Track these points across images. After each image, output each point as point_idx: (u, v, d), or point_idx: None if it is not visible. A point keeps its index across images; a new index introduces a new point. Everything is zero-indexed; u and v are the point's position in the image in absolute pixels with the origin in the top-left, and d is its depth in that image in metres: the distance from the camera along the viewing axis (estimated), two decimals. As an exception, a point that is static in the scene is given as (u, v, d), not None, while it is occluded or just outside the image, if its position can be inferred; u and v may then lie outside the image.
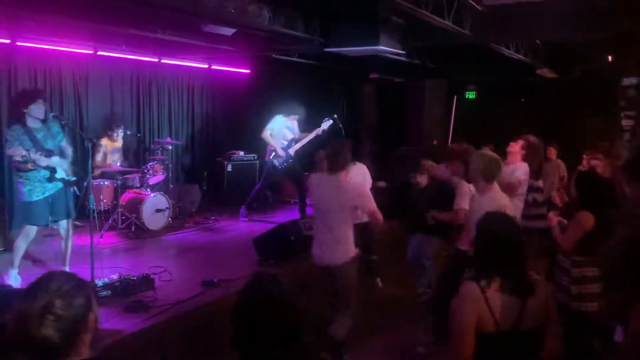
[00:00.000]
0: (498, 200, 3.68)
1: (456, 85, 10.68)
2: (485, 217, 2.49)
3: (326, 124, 7.52)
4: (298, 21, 5.84)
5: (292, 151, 7.60)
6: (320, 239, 4.15)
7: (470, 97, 11.45)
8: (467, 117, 10.24)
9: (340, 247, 4.07)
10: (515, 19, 6.24)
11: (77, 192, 5.21)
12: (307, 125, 7.81)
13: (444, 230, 4.58)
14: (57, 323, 1.47)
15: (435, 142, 9.93)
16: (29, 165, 4.64)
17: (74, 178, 5.05)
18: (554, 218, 3.91)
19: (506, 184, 4.37)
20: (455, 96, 10.03)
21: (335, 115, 7.55)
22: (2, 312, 3.41)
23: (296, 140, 7.65)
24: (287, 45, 6.98)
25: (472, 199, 4.00)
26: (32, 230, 4.83)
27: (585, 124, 9.94)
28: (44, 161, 4.68)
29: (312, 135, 7.57)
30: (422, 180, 5.10)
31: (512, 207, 3.87)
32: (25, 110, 4.67)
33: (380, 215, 4.09)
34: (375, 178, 6.19)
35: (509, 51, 7.64)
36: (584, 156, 6.15)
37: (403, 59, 7.55)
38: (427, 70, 9.55)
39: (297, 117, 7.69)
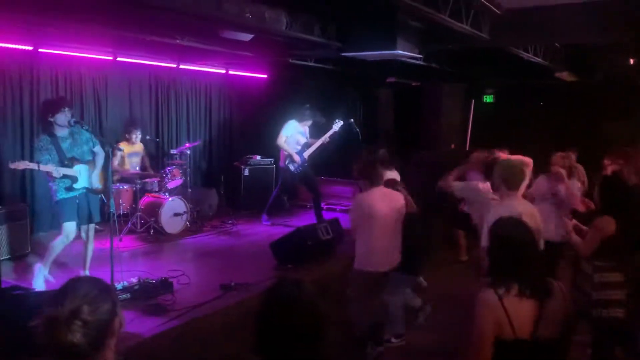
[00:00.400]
0: (515, 207, 3.56)
1: (474, 88, 10.63)
2: (497, 223, 2.48)
3: (337, 125, 7.61)
4: (315, 26, 5.86)
5: (306, 155, 7.66)
6: (378, 247, 4.33)
7: (488, 100, 11.36)
8: (485, 121, 10.19)
9: (396, 252, 4.45)
10: (534, 21, 6.19)
11: (104, 200, 5.28)
12: (323, 129, 7.85)
13: None
14: (84, 328, 1.49)
15: (453, 146, 9.88)
16: (56, 172, 4.75)
17: (99, 186, 5.12)
18: (569, 222, 3.87)
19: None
20: (473, 100, 10.00)
21: (352, 120, 7.58)
22: (29, 316, 3.49)
23: (308, 145, 7.71)
24: (304, 50, 7.02)
25: (487, 206, 3.97)
26: (69, 229, 4.88)
27: (606, 128, 9.81)
28: (57, 172, 4.75)
29: (324, 139, 7.65)
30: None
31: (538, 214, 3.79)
32: (51, 119, 4.77)
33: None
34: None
35: (527, 54, 7.57)
36: (605, 161, 6.07)
37: (420, 62, 7.53)
38: (444, 74, 9.51)
39: (309, 122, 7.75)
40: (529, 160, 4.27)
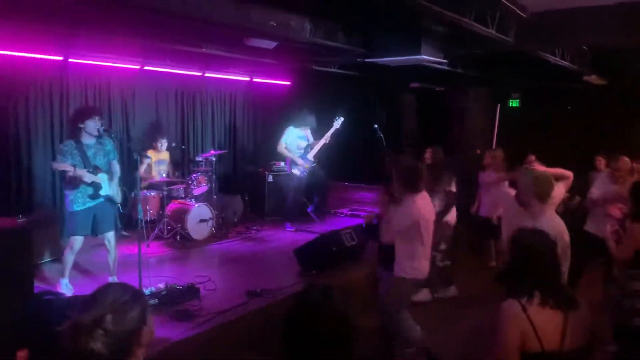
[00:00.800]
0: (559, 225, 3.40)
1: (499, 93, 10.50)
2: (519, 232, 2.50)
3: (338, 123, 7.90)
4: (339, 33, 5.88)
5: (310, 156, 7.81)
6: (423, 254, 4.22)
7: (513, 105, 11.22)
8: (511, 126, 10.05)
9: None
10: (561, 24, 6.10)
11: (121, 210, 5.37)
12: (346, 134, 7.94)
13: None
14: (106, 337, 1.48)
15: (478, 152, 9.76)
16: (76, 180, 4.82)
17: (119, 200, 5.21)
18: (610, 229, 3.77)
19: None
20: (499, 104, 9.88)
21: (376, 125, 7.58)
22: (56, 319, 3.57)
23: (311, 146, 7.95)
24: (327, 57, 7.05)
25: (516, 218, 3.84)
26: (77, 242, 4.98)
27: (635, 132, 9.58)
28: (89, 177, 4.85)
29: (325, 138, 7.89)
30: None
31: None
32: (81, 125, 4.86)
33: None
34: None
35: (554, 58, 7.46)
36: (634, 165, 5.93)
37: (445, 67, 7.49)
38: (469, 78, 9.43)
39: (308, 125, 7.93)
40: (568, 174, 4.02)
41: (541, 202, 3.50)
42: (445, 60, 6.71)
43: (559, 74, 8.77)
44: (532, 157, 6.79)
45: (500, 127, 8.73)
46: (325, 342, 1.62)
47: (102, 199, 5.00)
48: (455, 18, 4.95)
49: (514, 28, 6.12)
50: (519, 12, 5.85)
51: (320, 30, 5.56)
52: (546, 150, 6.61)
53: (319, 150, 7.99)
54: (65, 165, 4.73)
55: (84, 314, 1.49)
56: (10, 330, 3.05)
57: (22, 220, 5.42)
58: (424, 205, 4.19)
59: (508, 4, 5.61)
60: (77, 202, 4.90)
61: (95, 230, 5.08)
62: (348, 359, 1.64)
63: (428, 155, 6.42)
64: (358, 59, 6.53)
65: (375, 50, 6.10)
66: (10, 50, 6.12)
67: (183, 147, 8.40)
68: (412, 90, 10.51)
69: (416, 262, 4.17)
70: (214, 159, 8.07)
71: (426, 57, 5.90)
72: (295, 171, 7.85)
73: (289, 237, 7.61)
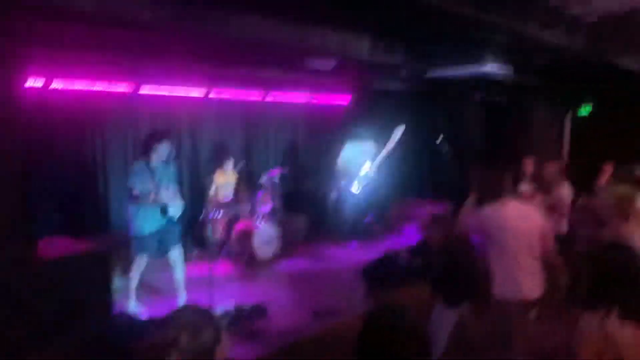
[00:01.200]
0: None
1: (569, 101, 10.05)
2: (597, 247, 2.43)
3: (398, 132, 7.60)
4: (399, 48, 5.86)
5: (370, 172, 7.69)
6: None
7: (584, 113, 10.70)
8: (583, 135, 9.59)
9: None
10: (634, 26, 5.79)
11: (180, 231, 5.49)
12: (409, 150, 7.82)
13: None
14: (181, 356, 1.53)
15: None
16: (149, 199, 4.99)
17: (179, 218, 5.33)
18: None
19: None
20: (568, 114, 9.46)
21: (441, 139, 7.42)
22: (130, 339, 3.72)
23: (372, 160, 7.85)
24: (387, 74, 7.02)
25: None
26: (142, 261, 5.14)
27: None
28: (157, 198, 5.02)
29: (387, 149, 7.72)
30: None
31: None
32: (154, 147, 5.08)
33: None
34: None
35: (626, 62, 7.07)
36: None
37: (509, 77, 7.27)
38: (535, 88, 9.10)
39: (368, 140, 7.83)
40: None
41: (624, 219, 3.33)
42: (510, 70, 6.52)
43: (634, 79, 8.29)
44: (608, 167, 6.42)
45: (571, 136, 8.33)
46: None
47: (167, 220, 5.16)
48: (519, 25, 4.81)
49: (582, 33, 5.87)
50: (587, 16, 5.61)
51: (380, 47, 5.56)
52: (622, 159, 6.22)
53: (381, 165, 7.90)
54: (144, 182, 4.92)
55: (160, 334, 1.54)
56: (91, 351, 3.18)
57: (102, 240, 5.70)
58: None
59: (575, 10, 5.40)
60: (145, 226, 5.06)
61: (161, 251, 5.23)
62: None
63: (529, 164, 6.24)
64: (419, 74, 6.46)
65: (437, 64, 6.01)
66: (84, 83, 6.50)
67: (248, 167, 8.57)
68: (476, 102, 10.26)
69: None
70: (277, 179, 8.18)
71: (490, 68, 5.76)
72: (354, 188, 7.80)
73: (353, 255, 7.56)
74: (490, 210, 3.76)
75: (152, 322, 4.05)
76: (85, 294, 3.23)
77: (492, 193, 3.76)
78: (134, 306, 5.14)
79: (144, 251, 5.11)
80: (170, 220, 5.18)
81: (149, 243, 5.10)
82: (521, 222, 3.64)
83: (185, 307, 1.70)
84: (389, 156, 7.89)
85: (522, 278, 3.59)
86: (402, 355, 1.61)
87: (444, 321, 3.84)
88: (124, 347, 3.28)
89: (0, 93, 2.97)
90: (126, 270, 6.22)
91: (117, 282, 6.03)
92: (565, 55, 6.21)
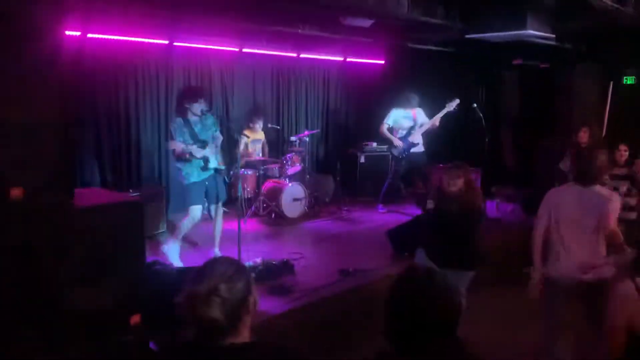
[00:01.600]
0: None
1: (612, 70, 9.65)
2: None
3: (451, 105, 7.36)
4: (438, 8, 5.69)
5: (412, 139, 7.58)
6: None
7: (629, 82, 10.27)
8: (626, 105, 9.24)
9: None
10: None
11: (227, 180, 5.66)
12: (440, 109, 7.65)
13: None
14: (222, 305, 1.58)
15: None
16: (187, 156, 5.15)
17: (224, 167, 5.50)
18: None
19: None
20: (612, 82, 9.11)
21: (475, 105, 7.27)
22: (169, 289, 3.85)
23: (416, 128, 7.66)
24: (425, 34, 6.85)
25: None
26: (196, 212, 5.29)
27: None
28: (199, 152, 5.18)
29: (434, 120, 7.52)
30: None
31: None
32: (187, 106, 5.19)
33: None
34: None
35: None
36: None
37: (552, 42, 7.01)
38: (578, 54, 8.76)
39: (415, 106, 7.67)
40: None
41: None
42: (553, 35, 6.28)
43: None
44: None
45: (613, 106, 8.03)
46: (429, 324, 1.60)
47: (211, 171, 5.32)
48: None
49: (633, -2, 5.59)
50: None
51: (418, 5, 5.41)
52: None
53: (424, 133, 7.76)
54: (180, 145, 5.08)
55: (199, 284, 1.59)
56: (125, 297, 3.31)
57: (134, 194, 5.84)
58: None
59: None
60: (193, 174, 5.24)
61: (207, 201, 5.41)
62: (453, 343, 1.61)
63: (583, 135, 6.02)
64: (458, 36, 6.28)
65: (476, 26, 5.83)
66: (120, 35, 6.53)
67: (278, 127, 8.59)
68: (514, 67, 9.95)
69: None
70: (307, 139, 8.19)
71: (532, 31, 5.56)
72: (394, 152, 7.74)
73: (380, 218, 7.59)
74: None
75: (184, 272, 4.18)
76: (119, 241, 3.33)
77: (589, 177, 3.55)
78: (176, 256, 5.29)
79: (197, 200, 5.27)
80: (214, 170, 5.34)
81: (199, 193, 5.27)
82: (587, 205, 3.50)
83: (217, 259, 1.75)
84: (435, 127, 7.66)
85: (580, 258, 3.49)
86: (428, 320, 1.62)
87: None
88: (155, 295, 3.41)
89: (43, 40, 2.99)
90: (159, 223, 6.45)
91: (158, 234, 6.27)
92: (613, 21, 5.93)
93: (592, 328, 3.39)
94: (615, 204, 3.54)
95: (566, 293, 3.54)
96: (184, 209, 5.38)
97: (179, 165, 5.32)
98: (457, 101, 7.40)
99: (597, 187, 3.56)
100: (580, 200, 3.52)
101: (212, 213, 5.52)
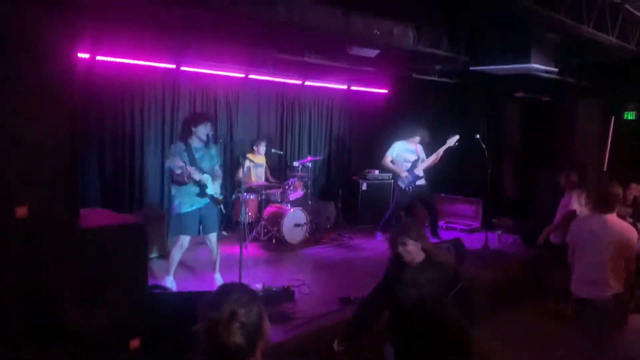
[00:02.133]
0: None
1: (614, 104, 9.75)
2: None
3: (452, 141, 7.39)
4: (443, 40, 5.78)
5: (417, 171, 7.56)
6: None
7: (629, 117, 10.37)
8: (627, 140, 9.31)
9: None
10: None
11: (223, 211, 5.60)
12: (440, 144, 7.67)
13: None
14: (242, 330, 1.58)
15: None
16: (185, 178, 5.06)
17: (222, 197, 5.43)
18: None
19: None
20: (613, 117, 9.20)
21: (478, 136, 7.32)
22: (165, 312, 3.82)
23: (422, 161, 7.63)
24: (430, 65, 6.94)
25: None
26: (185, 241, 5.23)
27: None
28: (197, 175, 5.08)
29: (437, 154, 7.51)
30: None
31: None
32: (193, 129, 5.14)
33: None
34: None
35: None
36: None
37: (554, 76, 7.10)
38: (580, 89, 8.87)
39: (418, 139, 7.65)
40: None
41: None
42: (556, 69, 6.36)
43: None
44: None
45: (614, 141, 8.08)
46: (440, 352, 1.57)
47: (207, 199, 5.23)
48: (572, 25, 4.68)
49: (637, 34, 5.69)
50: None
51: (425, 37, 5.50)
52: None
53: (427, 168, 7.70)
54: (179, 162, 4.98)
55: (217, 311, 1.58)
56: (126, 320, 3.27)
57: (137, 215, 5.82)
58: None
59: (631, 9, 5.23)
60: (185, 204, 5.15)
61: (200, 230, 5.33)
62: None
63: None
64: (462, 67, 6.36)
65: (480, 58, 5.90)
66: (128, 58, 6.62)
67: (281, 152, 8.63)
68: (516, 100, 10.06)
69: None
70: (309, 164, 8.22)
71: (536, 65, 5.63)
72: (400, 184, 7.66)
73: (381, 246, 7.54)
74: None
75: (186, 296, 4.14)
76: (122, 264, 3.31)
77: (606, 206, 3.93)
78: (171, 283, 5.24)
79: (187, 230, 5.19)
80: (210, 199, 5.25)
81: (191, 223, 5.18)
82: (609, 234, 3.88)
83: (230, 284, 1.75)
84: (438, 161, 7.64)
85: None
86: (439, 349, 1.60)
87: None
88: (155, 319, 3.37)
89: (55, 59, 3.03)
90: (160, 247, 6.41)
91: (152, 258, 6.23)
92: (617, 56, 6.02)
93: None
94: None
95: None
96: (175, 236, 5.30)
97: (173, 192, 5.23)
98: (457, 137, 7.44)
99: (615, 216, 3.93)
100: (601, 228, 3.87)
101: (208, 242, 5.39)
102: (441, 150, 7.53)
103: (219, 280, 5.39)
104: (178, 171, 5.03)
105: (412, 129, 7.71)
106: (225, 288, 1.70)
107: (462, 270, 5.97)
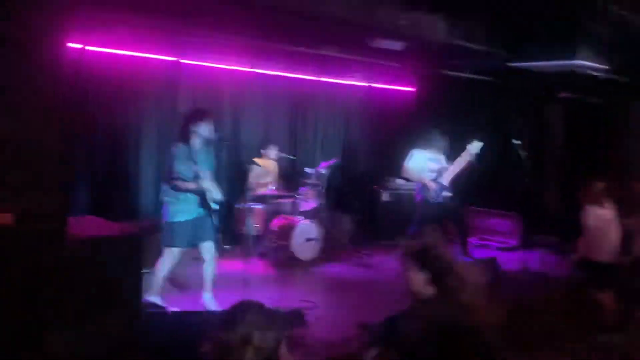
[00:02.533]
0: None
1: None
2: None
3: (473, 147, 7.17)
4: (479, 33, 5.78)
5: (444, 181, 7.41)
6: None
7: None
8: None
9: None
10: None
11: (214, 222, 5.50)
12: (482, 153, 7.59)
13: None
14: (256, 355, 1.60)
15: None
16: (189, 184, 5.06)
17: (217, 207, 5.35)
18: None
19: None
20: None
21: (519, 142, 7.23)
22: (158, 332, 3.85)
23: (446, 170, 7.48)
24: (463, 60, 6.93)
25: None
26: (174, 254, 5.18)
27: None
28: (207, 183, 5.10)
29: (458, 164, 7.31)
30: None
31: None
32: (194, 128, 5.14)
33: None
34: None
35: None
36: None
37: (604, 75, 7.06)
38: (633, 89, 8.81)
39: (437, 148, 7.50)
40: None
41: None
42: (606, 67, 6.33)
43: None
44: None
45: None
46: None
47: (203, 209, 5.18)
48: (626, 16, 4.67)
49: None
50: None
51: (458, 29, 5.50)
52: None
53: (451, 180, 7.58)
54: (193, 166, 4.99)
55: (230, 332, 1.60)
56: (120, 340, 3.30)
57: (131, 225, 5.85)
58: None
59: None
60: (183, 212, 5.11)
61: (193, 242, 5.25)
62: None
63: None
64: (500, 64, 6.35)
65: (521, 54, 5.90)
66: (121, 49, 6.70)
67: (293, 157, 8.60)
68: (560, 101, 10.01)
69: None
70: (324, 172, 8.18)
71: (583, 62, 5.61)
72: (426, 195, 7.51)
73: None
74: None
75: (181, 316, 4.17)
76: (114, 280, 3.34)
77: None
78: (158, 301, 5.19)
79: (177, 242, 5.15)
80: (207, 210, 5.23)
81: (184, 233, 5.14)
82: None
83: (245, 303, 1.76)
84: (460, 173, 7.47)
85: None
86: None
87: None
88: (155, 340, 3.40)
89: (41, 52, 3.07)
90: (155, 260, 6.42)
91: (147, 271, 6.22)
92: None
93: None
94: None
95: None
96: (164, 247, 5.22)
97: (169, 197, 5.18)
98: (481, 144, 7.18)
99: None
100: None
101: (204, 254, 5.30)
102: (460, 161, 7.30)
103: (209, 302, 5.26)
104: (183, 175, 5.03)
105: (431, 138, 7.58)
106: (241, 307, 1.71)
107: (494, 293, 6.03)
